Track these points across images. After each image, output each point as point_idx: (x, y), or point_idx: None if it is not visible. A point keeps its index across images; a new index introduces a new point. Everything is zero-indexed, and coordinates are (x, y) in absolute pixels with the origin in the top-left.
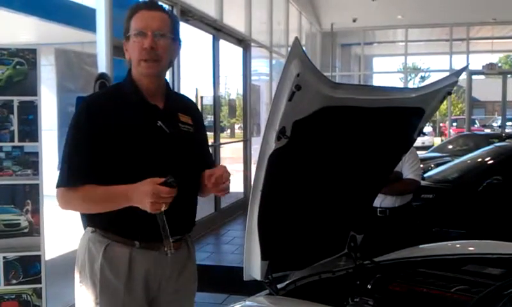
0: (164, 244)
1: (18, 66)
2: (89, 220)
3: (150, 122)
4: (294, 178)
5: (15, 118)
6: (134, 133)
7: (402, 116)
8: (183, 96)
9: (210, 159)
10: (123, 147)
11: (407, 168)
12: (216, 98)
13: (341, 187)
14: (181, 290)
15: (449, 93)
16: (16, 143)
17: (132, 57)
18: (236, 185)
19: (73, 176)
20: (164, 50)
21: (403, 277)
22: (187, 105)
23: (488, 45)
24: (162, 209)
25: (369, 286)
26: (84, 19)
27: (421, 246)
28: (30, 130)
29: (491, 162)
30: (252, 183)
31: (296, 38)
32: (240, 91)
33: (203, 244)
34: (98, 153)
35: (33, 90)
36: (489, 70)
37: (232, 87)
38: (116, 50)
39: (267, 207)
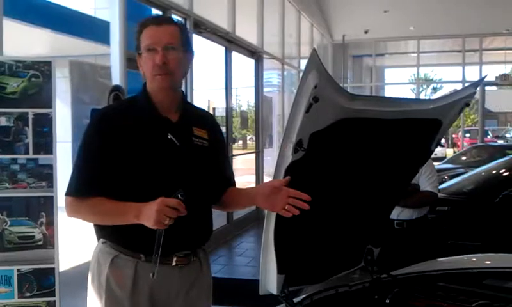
0: (152, 263)
1: (33, 79)
2: (100, 231)
3: (161, 135)
4: (311, 191)
5: (29, 130)
6: (143, 146)
7: (420, 127)
8: (200, 109)
9: (228, 172)
10: (132, 159)
11: (424, 180)
12: (228, 110)
13: (358, 199)
14: (191, 305)
15: (467, 105)
16: (30, 155)
17: (146, 72)
18: None
19: (82, 186)
20: (176, 64)
21: (422, 292)
22: (204, 119)
23: (501, 55)
24: (166, 223)
25: (387, 301)
26: (98, 32)
27: (438, 259)
28: (45, 142)
29: (507, 173)
30: None
31: (314, 50)
32: (252, 103)
33: (216, 256)
34: (108, 165)
35: (48, 102)
36: (503, 80)
37: (243, 99)
38: (130, 62)
39: (283, 220)
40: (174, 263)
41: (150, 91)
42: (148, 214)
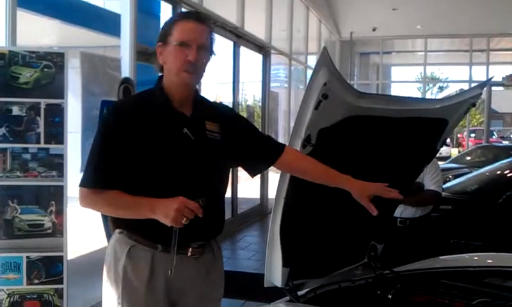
0: (170, 260)
1: (46, 69)
2: (117, 222)
3: (176, 129)
4: (317, 186)
5: (41, 120)
6: (159, 139)
7: (426, 126)
8: (212, 103)
9: (268, 138)
10: (148, 153)
11: (428, 179)
12: (235, 104)
13: None
14: (206, 295)
15: (473, 105)
16: (42, 145)
17: (170, 64)
18: (252, 191)
19: (99, 179)
20: (203, 65)
21: (424, 288)
22: (216, 112)
23: (509, 56)
24: (183, 222)
25: (390, 296)
26: (108, 24)
27: (441, 257)
28: (56, 132)
29: (511, 174)
30: (275, 190)
31: (324, 48)
32: (258, 97)
33: None
34: (124, 158)
35: (60, 93)
36: (510, 81)
37: (250, 94)
38: (140, 55)
39: (289, 215)
40: (189, 254)
41: (166, 85)
42: (166, 211)
